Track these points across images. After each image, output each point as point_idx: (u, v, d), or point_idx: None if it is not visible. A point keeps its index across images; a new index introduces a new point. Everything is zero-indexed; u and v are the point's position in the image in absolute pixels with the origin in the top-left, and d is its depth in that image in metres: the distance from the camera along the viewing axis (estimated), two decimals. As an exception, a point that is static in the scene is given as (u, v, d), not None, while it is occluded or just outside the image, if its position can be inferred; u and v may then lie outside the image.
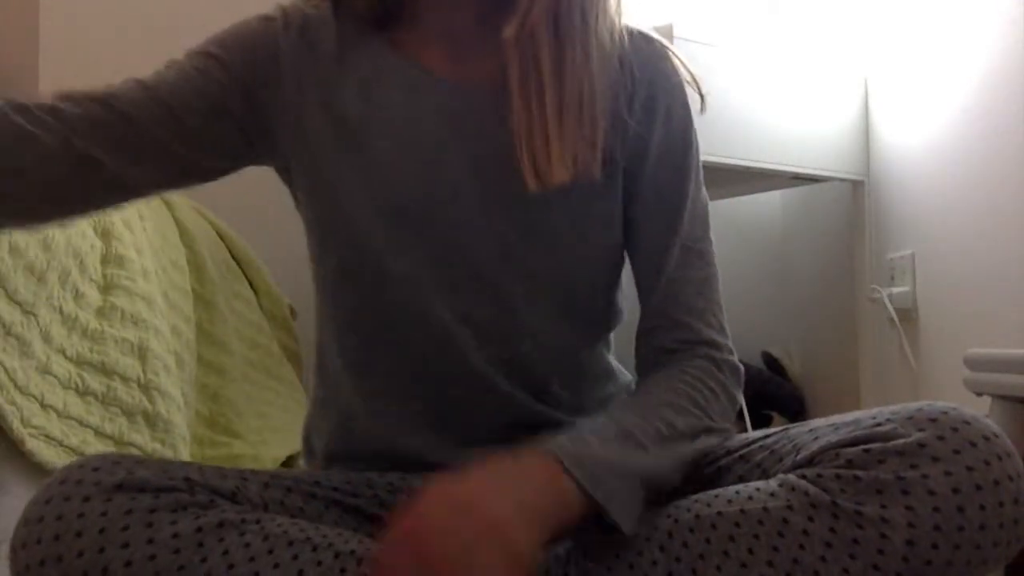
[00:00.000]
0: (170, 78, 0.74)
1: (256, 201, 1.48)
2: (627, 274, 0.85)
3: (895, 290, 1.76)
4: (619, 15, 0.76)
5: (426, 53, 0.76)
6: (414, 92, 0.75)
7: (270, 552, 0.58)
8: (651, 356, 0.78)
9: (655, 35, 0.80)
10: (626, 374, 0.87)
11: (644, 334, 0.79)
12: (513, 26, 0.69)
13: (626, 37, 0.77)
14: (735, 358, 0.80)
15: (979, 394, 1.17)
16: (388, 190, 0.74)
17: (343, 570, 0.59)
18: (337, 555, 0.59)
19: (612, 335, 0.87)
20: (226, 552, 0.57)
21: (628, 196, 0.78)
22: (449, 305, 0.73)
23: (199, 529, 0.58)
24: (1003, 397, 1.13)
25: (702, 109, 0.81)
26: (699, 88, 0.80)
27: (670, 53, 0.80)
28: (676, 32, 1.52)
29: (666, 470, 0.67)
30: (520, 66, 0.70)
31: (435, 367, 0.76)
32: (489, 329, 0.75)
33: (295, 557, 0.58)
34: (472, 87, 0.75)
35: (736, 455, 0.71)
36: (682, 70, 0.80)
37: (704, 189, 0.82)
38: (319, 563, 0.59)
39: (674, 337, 0.77)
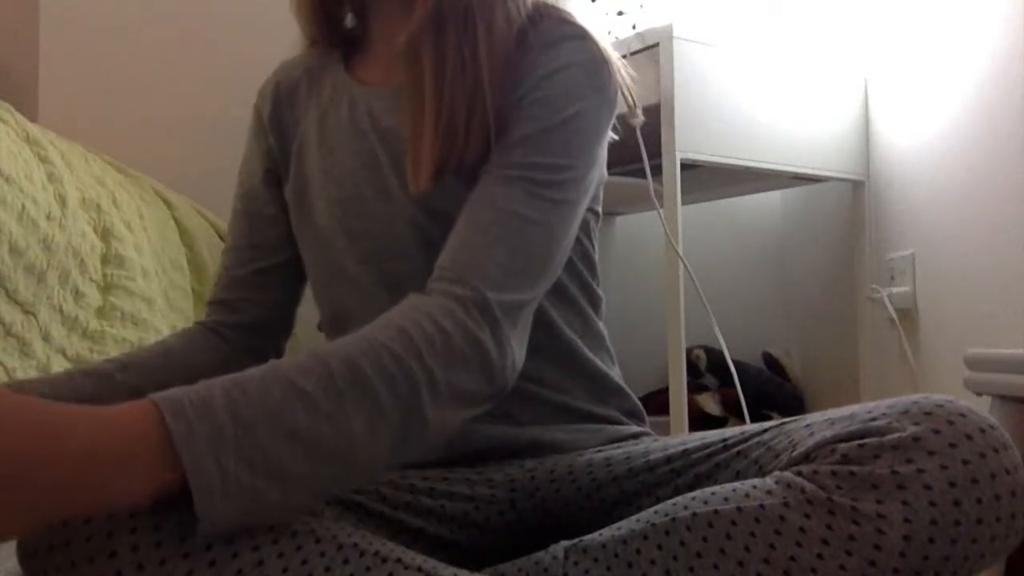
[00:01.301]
0: (247, 204, 0.92)
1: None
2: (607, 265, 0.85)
3: (895, 290, 1.76)
4: (522, 6, 0.79)
5: (372, 69, 0.86)
6: (354, 107, 0.85)
7: (274, 542, 0.58)
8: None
9: (573, 19, 0.80)
10: (610, 374, 0.88)
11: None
12: (402, 38, 0.76)
13: (539, 21, 0.79)
14: (497, 295, 0.67)
15: (979, 394, 1.17)
16: (335, 194, 0.84)
17: (346, 561, 0.59)
18: (340, 547, 0.60)
19: (594, 320, 0.88)
20: (231, 541, 0.57)
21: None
22: (389, 300, 0.70)
23: None
24: (1003, 397, 1.13)
25: (630, 92, 0.82)
26: (619, 67, 0.79)
27: (583, 36, 0.79)
28: (676, 32, 1.52)
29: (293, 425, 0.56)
30: (408, 78, 0.76)
31: None
32: None
33: (298, 548, 0.59)
34: (389, 92, 0.83)
35: (733, 451, 0.71)
36: (593, 50, 0.78)
37: (571, 171, 0.74)
38: (322, 554, 0.59)
39: (434, 277, 0.69)
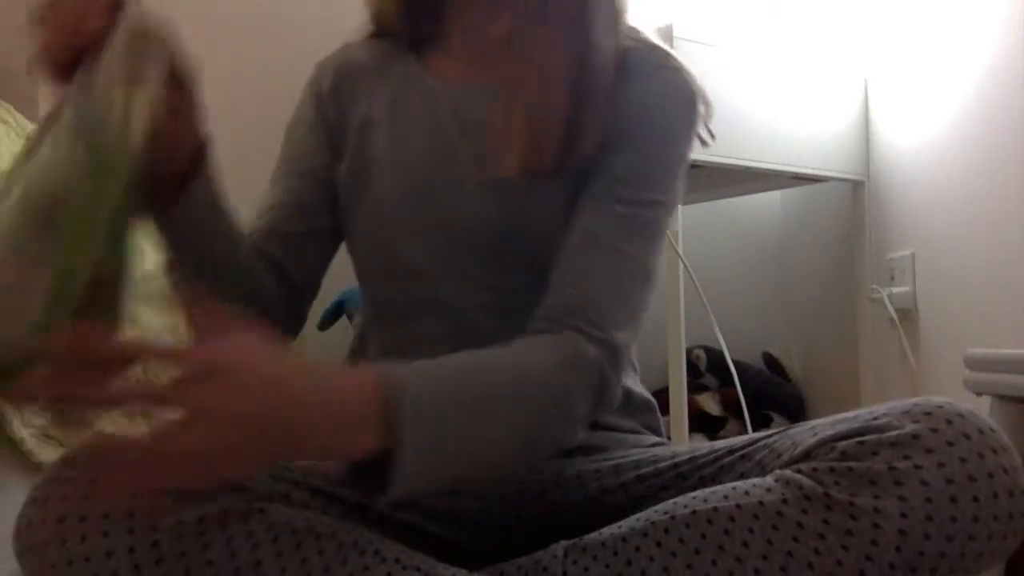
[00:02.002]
0: (294, 167, 0.89)
1: (256, 201, 1.48)
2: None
3: (895, 290, 1.76)
4: (620, 21, 0.81)
5: (448, 64, 0.85)
6: (430, 99, 0.83)
7: (273, 541, 0.59)
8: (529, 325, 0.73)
9: (664, 46, 0.82)
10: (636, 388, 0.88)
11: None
12: (500, 29, 0.78)
13: (632, 43, 0.80)
14: (619, 336, 0.72)
15: (979, 394, 1.17)
16: (404, 182, 0.81)
17: (345, 560, 0.59)
18: (340, 545, 0.60)
19: None
20: (229, 540, 0.58)
21: (583, 180, 0.78)
22: (458, 291, 0.74)
23: (202, 519, 0.58)
24: (1003, 397, 1.13)
25: (708, 122, 0.82)
26: (705, 99, 0.81)
27: (680, 68, 0.81)
28: (676, 32, 1.52)
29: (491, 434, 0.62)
30: (505, 67, 0.77)
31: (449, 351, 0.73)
32: (496, 311, 0.77)
33: (298, 547, 0.59)
34: (481, 89, 0.81)
35: (738, 454, 0.71)
36: (690, 83, 0.80)
37: (666, 209, 0.78)
38: (321, 552, 0.59)
39: (552, 307, 0.73)
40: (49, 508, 0.58)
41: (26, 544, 0.58)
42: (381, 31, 0.89)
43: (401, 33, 0.87)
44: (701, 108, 0.80)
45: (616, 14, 0.80)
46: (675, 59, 0.81)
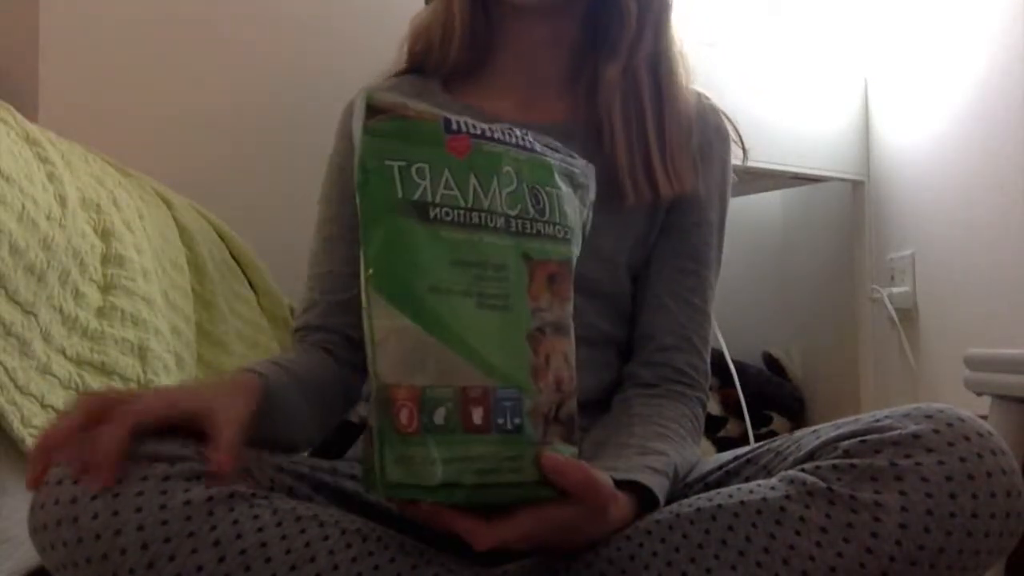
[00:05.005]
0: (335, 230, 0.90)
1: (256, 201, 1.48)
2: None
3: (895, 290, 1.76)
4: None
5: (490, 103, 0.90)
6: None
7: (278, 525, 0.59)
8: (648, 377, 0.87)
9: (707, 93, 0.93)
10: None
11: (645, 362, 0.88)
12: (616, 69, 0.86)
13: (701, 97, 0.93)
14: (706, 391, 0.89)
15: (979, 394, 1.17)
16: None
17: (348, 545, 0.60)
18: (343, 532, 0.61)
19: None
20: (235, 522, 0.58)
21: (661, 227, 0.90)
22: None
23: (210, 499, 0.59)
24: (1003, 397, 1.13)
25: (744, 159, 0.97)
26: (742, 142, 0.96)
27: (720, 110, 0.94)
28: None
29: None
30: (623, 103, 0.86)
31: None
32: None
33: (302, 531, 0.60)
34: (540, 128, 0.87)
35: (744, 459, 0.73)
36: (728, 127, 0.94)
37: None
38: (325, 538, 0.60)
39: (674, 376, 0.87)
40: (62, 490, 0.59)
41: (40, 523, 0.59)
42: (413, 67, 0.92)
43: (439, 67, 0.91)
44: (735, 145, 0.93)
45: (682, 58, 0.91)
46: (727, 118, 0.94)
